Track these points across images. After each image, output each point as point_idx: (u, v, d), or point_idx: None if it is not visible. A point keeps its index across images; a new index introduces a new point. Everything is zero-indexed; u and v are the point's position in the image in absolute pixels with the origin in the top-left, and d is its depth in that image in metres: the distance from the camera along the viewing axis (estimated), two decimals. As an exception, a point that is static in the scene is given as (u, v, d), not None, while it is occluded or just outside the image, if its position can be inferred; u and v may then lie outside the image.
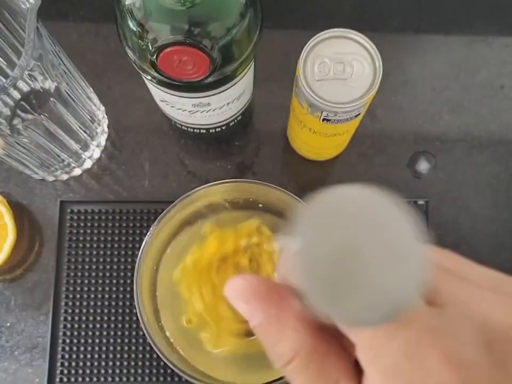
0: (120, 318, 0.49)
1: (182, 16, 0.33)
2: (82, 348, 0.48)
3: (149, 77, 0.38)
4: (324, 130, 0.43)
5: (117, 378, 0.47)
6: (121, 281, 0.49)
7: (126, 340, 0.48)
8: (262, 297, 0.22)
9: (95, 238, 0.50)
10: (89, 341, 0.48)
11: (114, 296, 0.49)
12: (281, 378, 0.41)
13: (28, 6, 0.35)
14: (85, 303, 0.49)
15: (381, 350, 0.18)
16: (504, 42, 0.56)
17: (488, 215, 0.52)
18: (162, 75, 0.36)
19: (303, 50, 0.39)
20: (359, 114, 0.41)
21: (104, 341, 0.48)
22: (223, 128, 0.48)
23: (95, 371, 0.48)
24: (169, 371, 0.47)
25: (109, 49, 0.55)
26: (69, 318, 0.49)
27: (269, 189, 0.44)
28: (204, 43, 0.33)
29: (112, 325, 0.48)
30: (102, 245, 0.50)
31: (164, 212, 0.44)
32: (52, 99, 0.43)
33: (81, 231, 0.50)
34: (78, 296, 0.49)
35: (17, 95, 0.38)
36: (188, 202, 0.44)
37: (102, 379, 0.47)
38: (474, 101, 0.54)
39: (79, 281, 0.49)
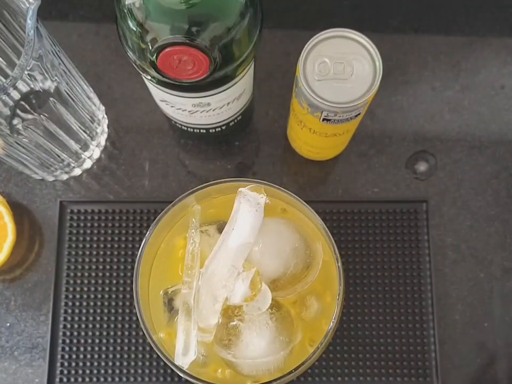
0: (120, 318, 0.49)
1: (182, 16, 0.33)
2: (82, 348, 0.48)
3: (149, 77, 0.38)
4: (324, 130, 0.43)
5: (117, 379, 0.47)
6: (121, 281, 0.49)
7: (126, 340, 0.48)
8: None
9: (95, 238, 0.50)
10: (89, 341, 0.48)
11: (114, 296, 0.49)
12: (282, 377, 0.41)
13: (28, 6, 0.35)
14: (84, 303, 0.49)
15: None
16: (504, 42, 0.56)
17: (488, 215, 0.52)
18: (162, 75, 0.36)
19: (303, 50, 0.39)
20: (359, 114, 0.41)
21: (104, 341, 0.48)
22: (223, 128, 0.48)
23: (95, 371, 0.48)
24: (169, 371, 0.47)
25: (109, 49, 0.55)
26: (69, 318, 0.48)
27: (269, 189, 0.44)
28: (204, 43, 0.33)
29: (112, 325, 0.48)
30: (102, 245, 0.50)
31: (163, 211, 0.43)
32: (51, 99, 0.43)
33: (81, 231, 0.50)
34: (77, 296, 0.49)
35: (17, 95, 0.38)
36: (188, 202, 0.44)
37: (102, 379, 0.47)
38: (474, 100, 0.54)
39: (79, 281, 0.49)
